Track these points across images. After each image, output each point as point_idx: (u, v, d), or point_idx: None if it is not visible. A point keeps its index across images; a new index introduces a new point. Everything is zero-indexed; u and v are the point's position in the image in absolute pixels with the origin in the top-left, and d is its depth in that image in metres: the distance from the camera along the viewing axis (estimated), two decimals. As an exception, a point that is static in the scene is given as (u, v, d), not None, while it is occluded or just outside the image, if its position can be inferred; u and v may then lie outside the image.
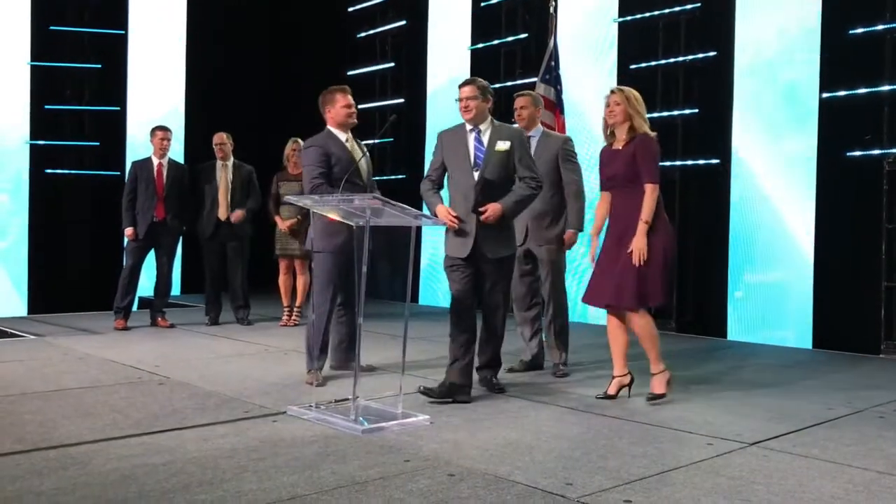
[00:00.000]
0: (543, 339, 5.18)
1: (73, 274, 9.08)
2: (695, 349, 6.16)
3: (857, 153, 6.16)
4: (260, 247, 7.39)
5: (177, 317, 7.33)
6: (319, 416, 3.75)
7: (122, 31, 9.50)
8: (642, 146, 4.16)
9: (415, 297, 9.19)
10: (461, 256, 4.21)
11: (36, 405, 3.99)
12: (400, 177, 9.54)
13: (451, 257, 4.27)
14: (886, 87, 6.05)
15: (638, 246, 4.09)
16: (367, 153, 4.96)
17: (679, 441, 3.48)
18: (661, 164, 4.29)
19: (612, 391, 4.29)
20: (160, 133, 6.88)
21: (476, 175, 4.22)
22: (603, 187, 4.39)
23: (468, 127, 4.31)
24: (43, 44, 9.07)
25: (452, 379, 4.16)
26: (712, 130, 6.98)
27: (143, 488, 2.76)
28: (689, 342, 6.51)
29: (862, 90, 6.12)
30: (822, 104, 6.30)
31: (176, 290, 8.68)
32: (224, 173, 7.02)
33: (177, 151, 8.02)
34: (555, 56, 6.65)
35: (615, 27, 7.64)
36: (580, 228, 5.04)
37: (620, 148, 4.24)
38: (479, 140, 4.27)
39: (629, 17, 7.56)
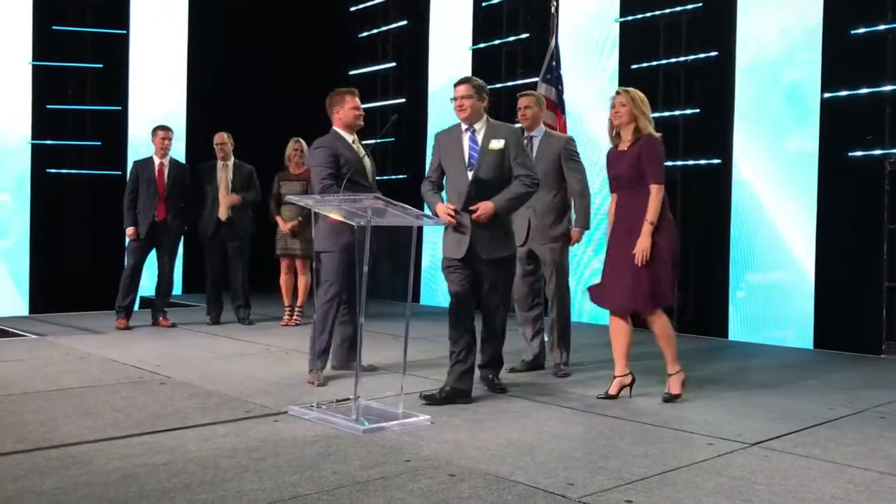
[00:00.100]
0: (545, 339, 5.18)
1: (75, 273, 9.07)
2: (696, 349, 6.16)
3: (859, 153, 6.15)
4: (261, 246, 7.40)
5: (178, 316, 7.34)
6: (320, 415, 3.75)
7: (124, 31, 9.50)
8: (647, 147, 4.17)
9: (416, 297, 9.19)
10: (457, 257, 4.19)
11: (37, 405, 3.99)
12: (401, 177, 9.55)
13: (448, 258, 4.25)
14: (888, 87, 6.05)
15: (642, 246, 4.10)
16: (370, 154, 4.98)
17: (680, 441, 3.48)
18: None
19: (613, 391, 4.29)
20: (161, 133, 6.89)
21: (470, 175, 4.19)
22: (611, 188, 4.40)
23: (463, 126, 4.28)
24: (45, 43, 9.07)
25: (453, 384, 4.14)
26: (713, 130, 6.98)
27: (145, 488, 2.76)
28: (690, 342, 6.50)
29: (863, 90, 6.12)
30: (824, 104, 6.30)
31: (177, 289, 8.69)
32: (224, 173, 7.02)
33: (178, 151, 8.02)
34: (556, 56, 6.65)
35: (616, 27, 7.63)
36: (587, 227, 5.05)
37: (626, 149, 4.24)
38: (473, 139, 4.24)
39: (630, 17, 7.56)
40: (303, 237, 6.95)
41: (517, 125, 4.93)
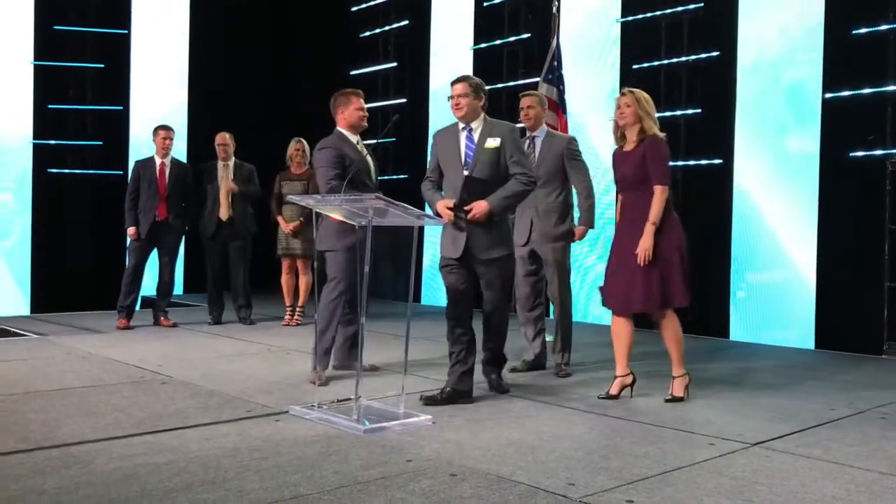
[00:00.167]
0: (546, 339, 5.18)
1: (76, 273, 9.07)
2: (697, 349, 6.15)
3: (860, 153, 6.15)
4: (262, 247, 7.40)
5: (179, 316, 7.34)
6: (322, 415, 3.75)
7: (125, 31, 9.50)
8: (652, 148, 4.17)
9: (417, 297, 9.19)
10: (453, 256, 4.17)
11: (39, 404, 4.00)
12: (402, 177, 9.55)
13: (445, 257, 4.23)
14: (890, 88, 6.05)
15: (644, 246, 4.10)
16: (372, 154, 5.00)
17: (681, 441, 3.48)
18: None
19: (614, 391, 4.29)
20: (162, 132, 6.89)
21: (466, 174, 4.17)
22: (617, 189, 4.40)
23: (461, 125, 4.26)
24: (46, 43, 9.07)
25: (453, 385, 4.14)
26: (715, 130, 6.98)
27: (146, 487, 2.77)
28: (691, 342, 6.44)
29: (865, 90, 6.11)
30: (825, 104, 6.29)
31: (178, 289, 8.69)
32: (225, 172, 7.02)
33: (179, 151, 8.02)
34: (557, 56, 6.65)
35: (618, 27, 7.63)
36: (591, 226, 5.06)
37: (631, 150, 4.24)
38: (470, 138, 4.22)
39: (631, 17, 7.56)
40: (304, 237, 6.95)
41: (519, 125, 4.93)
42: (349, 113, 4.83)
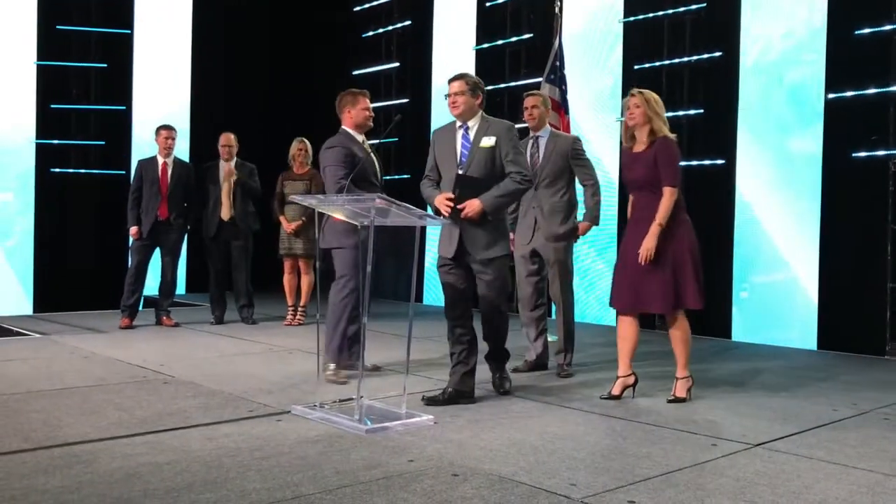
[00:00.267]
0: (549, 339, 5.17)
1: (79, 272, 9.09)
2: (699, 350, 6.13)
3: (863, 154, 6.14)
4: (264, 246, 7.40)
5: (182, 316, 7.35)
6: (323, 415, 3.75)
7: (128, 31, 9.52)
8: (662, 149, 4.16)
9: (419, 297, 9.20)
10: (448, 256, 4.16)
11: (41, 404, 4.00)
12: (404, 176, 9.55)
13: (441, 257, 4.22)
14: (893, 88, 6.04)
15: (647, 246, 4.10)
16: (376, 153, 5.02)
17: (683, 442, 3.48)
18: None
19: (616, 391, 4.29)
20: (165, 132, 6.90)
21: (459, 171, 4.15)
22: (629, 190, 4.39)
23: (458, 124, 4.25)
24: (49, 43, 9.09)
25: (455, 386, 4.13)
26: (717, 130, 6.97)
27: (148, 487, 2.77)
28: (693, 343, 6.48)
29: (868, 91, 6.11)
30: (828, 104, 6.29)
31: (181, 289, 8.69)
32: (228, 167, 7.02)
33: (182, 150, 8.02)
34: (560, 56, 6.65)
35: (620, 27, 7.63)
36: (596, 223, 5.08)
37: (641, 151, 4.23)
38: (466, 137, 4.20)
39: (634, 18, 7.55)
40: (306, 237, 6.96)
41: (523, 125, 4.93)
42: (356, 112, 4.85)
